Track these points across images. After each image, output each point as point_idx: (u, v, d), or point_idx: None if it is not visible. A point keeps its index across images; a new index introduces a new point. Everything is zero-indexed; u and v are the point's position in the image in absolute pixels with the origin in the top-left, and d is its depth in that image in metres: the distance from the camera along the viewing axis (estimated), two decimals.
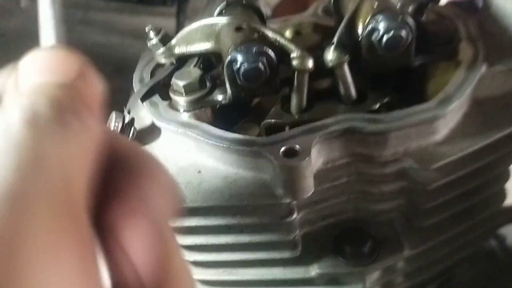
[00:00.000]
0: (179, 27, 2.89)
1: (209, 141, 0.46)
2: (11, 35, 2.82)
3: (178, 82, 0.49)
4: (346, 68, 0.47)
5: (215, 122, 0.51)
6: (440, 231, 0.52)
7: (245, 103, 0.53)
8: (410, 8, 0.54)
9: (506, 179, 0.53)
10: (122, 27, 2.87)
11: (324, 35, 0.57)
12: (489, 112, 0.49)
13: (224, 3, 0.52)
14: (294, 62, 0.46)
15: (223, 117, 0.54)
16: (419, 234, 0.51)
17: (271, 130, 0.49)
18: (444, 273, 0.63)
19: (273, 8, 2.07)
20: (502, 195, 0.55)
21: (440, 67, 0.51)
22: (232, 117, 0.55)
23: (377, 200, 0.50)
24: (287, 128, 0.49)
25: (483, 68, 0.49)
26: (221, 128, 0.48)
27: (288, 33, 0.62)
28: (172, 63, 0.54)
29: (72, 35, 2.88)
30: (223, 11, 0.52)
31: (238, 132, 0.54)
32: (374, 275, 0.52)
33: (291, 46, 0.47)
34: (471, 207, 0.52)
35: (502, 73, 0.50)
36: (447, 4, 0.62)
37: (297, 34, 0.62)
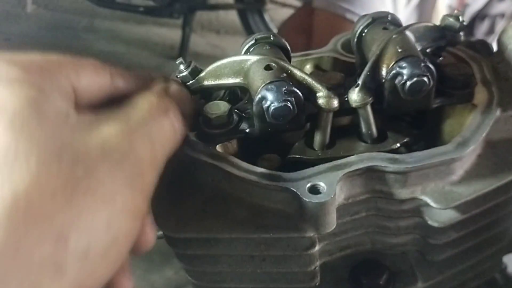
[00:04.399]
0: (185, 39, 2.93)
1: (238, 175, 0.48)
2: (16, 40, 2.84)
3: (209, 115, 0.51)
4: (369, 108, 0.50)
5: (239, 154, 0.53)
6: (451, 265, 0.54)
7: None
8: (428, 50, 0.57)
9: None
10: (127, 36, 2.90)
11: (345, 72, 0.60)
12: (502, 154, 0.52)
13: (253, 40, 0.54)
14: (320, 101, 0.49)
15: (244, 147, 0.56)
16: (432, 267, 0.54)
17: (294, 164, 0.51)
18: None
19: (279, 26, 2.11)
20: (510, 230, 0.58)
21: (456, 109, 0.54)
22: (252, 148, 0.57)
23: (393, 234, 0.52)
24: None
25: (497, 112, 0.51)
26: (243, 159, 0.50)
27: (308, 67, 0.65)
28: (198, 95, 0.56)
29: (77, 42, 2.90)
30: (251, 47, 0.55)
31: (260, 164, 0.56)
32: None
33: (317, 86, 0.49)
34: (481, 242, 0.54)
35: None
36: (462, 44, 0.64)
37: (317, 68, 0.65)
